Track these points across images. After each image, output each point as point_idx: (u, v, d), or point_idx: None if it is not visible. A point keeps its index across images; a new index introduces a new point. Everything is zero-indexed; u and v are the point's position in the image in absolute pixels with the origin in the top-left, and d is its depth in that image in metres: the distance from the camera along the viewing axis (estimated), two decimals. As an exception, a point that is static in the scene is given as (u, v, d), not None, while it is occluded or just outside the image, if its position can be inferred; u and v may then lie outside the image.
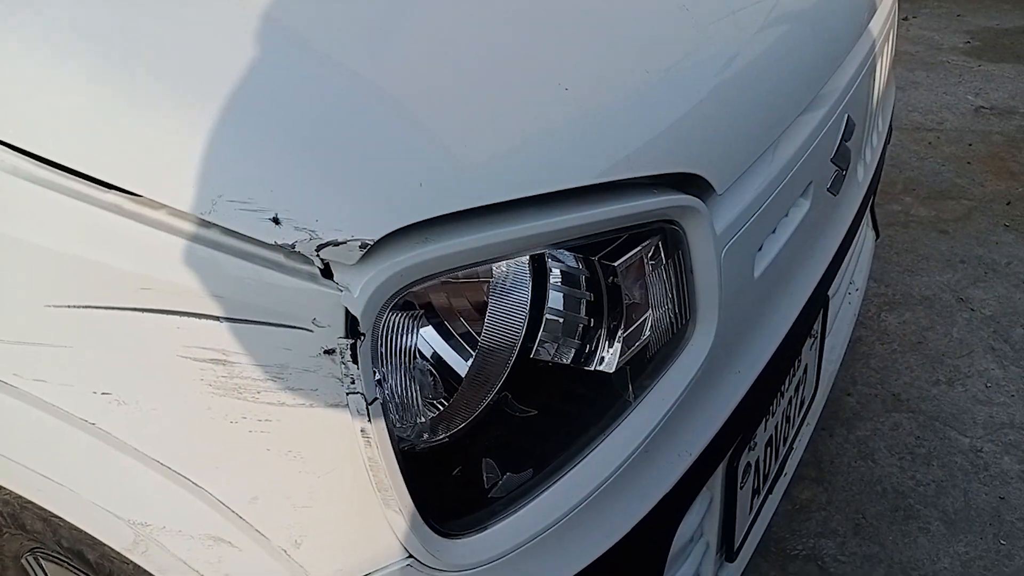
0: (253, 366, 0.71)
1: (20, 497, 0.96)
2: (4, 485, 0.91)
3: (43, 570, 1.16)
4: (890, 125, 1.66)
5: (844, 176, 1.25)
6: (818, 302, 1.31)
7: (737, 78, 0.94)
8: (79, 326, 0.74)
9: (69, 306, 0.73)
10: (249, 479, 0.76)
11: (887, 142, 1.69)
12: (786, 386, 1.27)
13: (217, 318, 0.70)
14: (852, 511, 1.79)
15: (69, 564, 1.03)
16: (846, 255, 1.38)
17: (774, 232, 1.08)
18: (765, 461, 1.27)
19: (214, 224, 0.69)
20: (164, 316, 0.71)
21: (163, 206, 0.70)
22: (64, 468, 0.82)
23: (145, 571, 0.86)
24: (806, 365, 1.37)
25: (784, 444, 1.36)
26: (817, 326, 1.37)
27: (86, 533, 0.89)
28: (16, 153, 0.74)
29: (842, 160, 1.23)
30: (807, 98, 1.06)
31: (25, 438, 0.82)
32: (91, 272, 0.72)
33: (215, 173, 0.68)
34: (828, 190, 1.22)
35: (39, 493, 0.86)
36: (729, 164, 0.91)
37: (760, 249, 1.05)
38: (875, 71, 1.35)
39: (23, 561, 1.15)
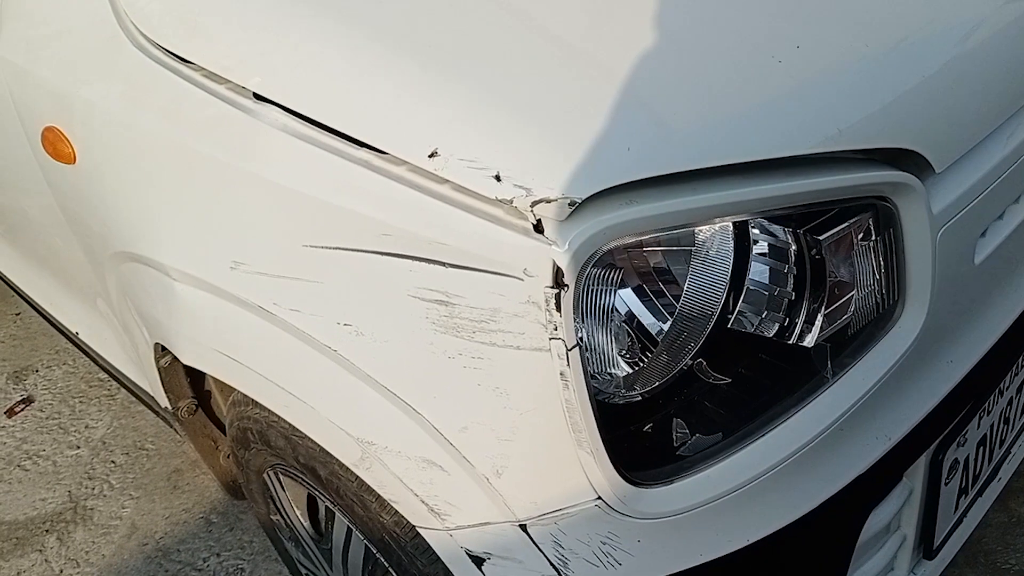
0: (471, 308, 0.79)
1: (268, 415, 1.12)
2: (260, 401, 1.06)
3: (280, 484, 1.33)
4: None
5: (1091, 164, 1.16)
6: (1052, 299, 1.22)
7: (966, 56, 0.90)
8: (329, 265, 0.86)
9: (323, 247, 0.86)
10: (461, 410, 0.84)
11: None
12: (1006, 384, 1.20)
13: (443, 264, 0.79)
14: (1080, 533, 1.64)
15: (303, 479, 1.19)
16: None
17: (1001, 218, 1.03)
18: (976, 460, 1.21)
19: (445, 180, 0.78)
20: (399, 260, 0.81)
21: (404, 162, 0.80)
22: (308, 388, 0.95)
23: (367, 486, 0.98)
24: (1033, 366, 1.28)
25: (1000, 447, 1.28)
26: (1050, 325, 1.27)
27: (320, 449, 1.02)
28: (285, 113, 0.88)
29: (1090, 147, 1.13)
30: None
31: (278, 359, 0.96)
32: (342, 218, 0.84)
33: (448, 135, 0.77)
34: (1071, 179, 1.13)
35: (286, 409, 1.00)
36: (950, 142, 0.88)
37: (984, 235, 1.01)
38: None
39: (264, 475, 1.32)
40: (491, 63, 0.81)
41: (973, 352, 1.05)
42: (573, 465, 0.82)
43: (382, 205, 0.81)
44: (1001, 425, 1.25)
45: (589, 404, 0.79)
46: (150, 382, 1.44)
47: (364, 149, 0.83)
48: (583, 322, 0.79)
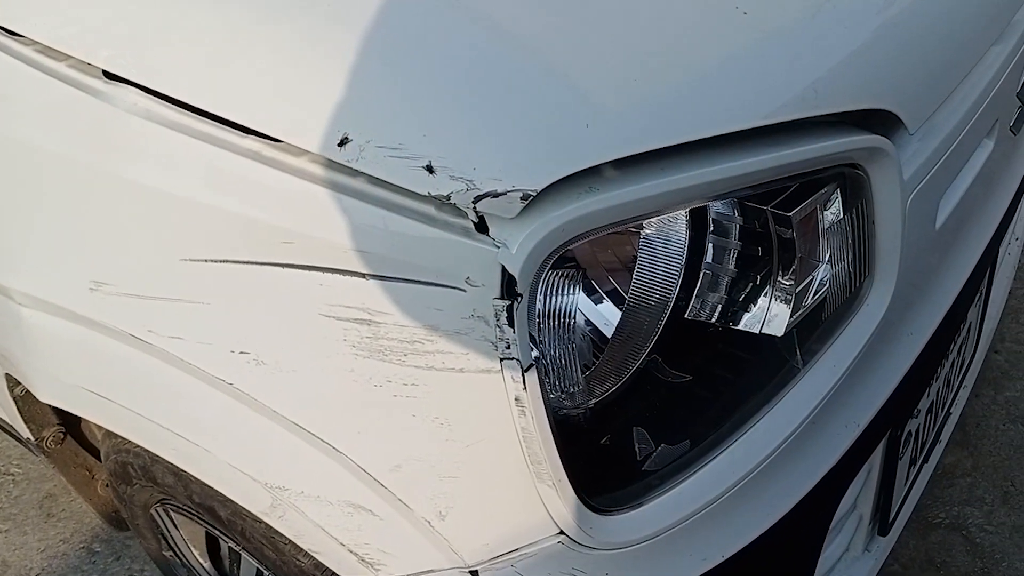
0: (400, 327, 0.65)
1: (151, 451, 0.95)
2: (136, 442, 0.89)
3: (172, 521, 1.16)
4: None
5: (1027, 113, 1.11)
6: (990, 255, 1.18)
7: (929, 4, 0.82)
8: (216, 282, 0.70)
9: (206, 260, 0.69)
10: (392, 446, 0.71)
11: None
12: (951, 348, 1.16)
13: (362, 275, 0.64)
14: (1000, 478, 1.65)
15: (199, 518, 1.03)
16: (1020, 203, 1.24)
17: (955, 177, 0.96)
18: (924, 429, 1.17)
19: (361, 172, 0.62)
20: (306, 272, 0.66)
21: (305, 152, 0.64)
22: (199, 428, 0.79)
23: (279, 533, 0.83)
24: (970, 324, 1.25)
25: (943, 410, 1.25)
26: (984, 282, 1.24)
27: (219, 491, 0.87)
28: (149, 96, 0.70)
29: (1029, 95, 1.08)
30: (1001, 25, 0.92)
31: (159, 396, 0.80)
32: (229, 224, 0.67)
33: (363, 117, 0.62)
34: (1010, 129, 1.08)
35: (173, 452, 0.84)
36: (923, 99, 0.79)
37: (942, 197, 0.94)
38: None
39: (152, 511, 1.15)
40: (408, 32, 0.66)
41: (930, 321, 0.99)
42: (531, 499, 0.70)
43: (279, 206, 0.65)
44: (944, 389, 1.21)
45: (550, 432, 0.67)
46: (6, 411, 1.23)
47: (252, 137, 0.66)
48: (538, 335, 0.66)
